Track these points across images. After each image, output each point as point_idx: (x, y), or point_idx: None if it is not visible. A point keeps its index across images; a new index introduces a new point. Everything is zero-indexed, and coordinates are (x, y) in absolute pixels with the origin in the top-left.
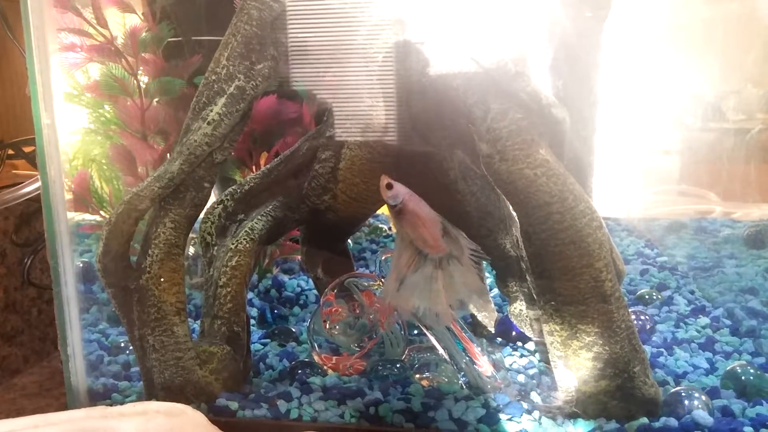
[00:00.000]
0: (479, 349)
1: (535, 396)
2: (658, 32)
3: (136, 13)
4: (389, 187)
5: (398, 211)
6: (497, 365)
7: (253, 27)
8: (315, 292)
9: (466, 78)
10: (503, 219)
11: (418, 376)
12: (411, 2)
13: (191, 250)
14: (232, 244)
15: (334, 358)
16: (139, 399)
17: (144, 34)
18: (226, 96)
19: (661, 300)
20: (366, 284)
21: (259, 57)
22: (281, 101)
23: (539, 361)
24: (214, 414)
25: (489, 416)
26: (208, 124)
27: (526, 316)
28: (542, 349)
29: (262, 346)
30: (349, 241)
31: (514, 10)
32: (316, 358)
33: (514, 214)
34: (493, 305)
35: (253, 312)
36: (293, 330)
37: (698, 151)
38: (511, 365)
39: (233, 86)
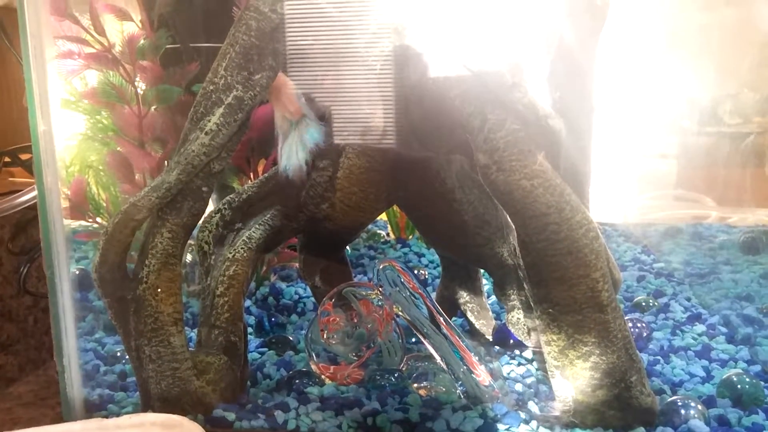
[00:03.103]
0: (477, 357)
1: (532, 405)
2: (655, 37)
3: (134, 21)
4: None
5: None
6: (495, 374)
7: (251, 37)
8: (313, 299)
9: (464, 88)
10: (500, 227)
11: (415, 385)
12: (409, 12)
13: (188, 257)
14: (230, 253)
15: (332, 367)
16: (136, 410)
17: (142, 41)
18: (224, 106)
19: (657, 307)
20: (364, 293)
21: (257, 67)
22: None
23: (537, 369)
24: (211, 425)
25: (487, 426)
26: (206, 134)
27: (524, 325)
28: (540, 358)
29: (260, 355)
30: (347, 247)
31: (511, 21)
32: (313, 367)
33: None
34: (490, 313)
35: (251, 320)
36: (291, 339)
37: (694, 155)
38: (508, 374)
39: (231, 96)
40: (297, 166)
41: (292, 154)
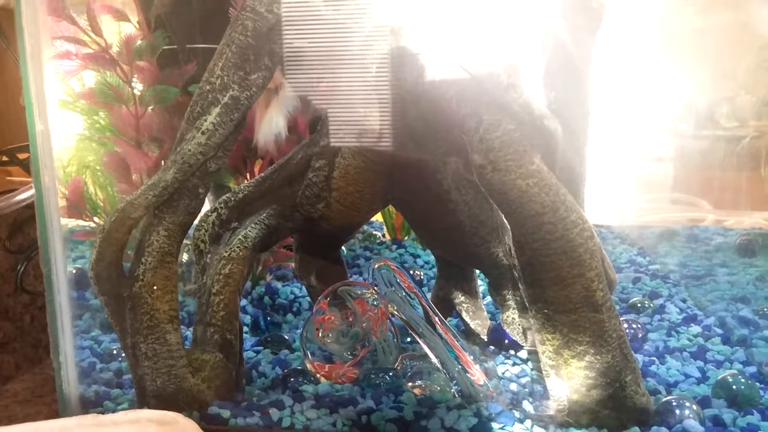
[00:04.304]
0: (471, 357)
1: (527, 405)
2: (652, 40)
3: (131, 22)
4: None
5: None
6: (489, 373)
7: (247, 37)
8: (308, 299)
9: (460, 89)
10: (496, 228)
11: (410, 384)
12: (406, 13)
13: (185, 257)
14: (226, 252)
15: (327, 366)
16: (132, 407)
17: (139, 42)
18: (220, 106)
19: (653, 308)
20: (359, 292)
21: (253, 67)
22: None
23: (532, 369)
24: (207, 422)
25: (481, 425)
26: (203, 133)
27: (519, 325)
28: (535, 357)
29: (255, 354)
30: (342, 248)
31: (507, 22)
32: (308, 366)
33: (507, 223)
34: (485, 313)
35: (246, 319)
36: (286, 337)
37: (691, 158)
38: (503, 373)
39: (227, 96)
40: (274, 135)
41: (270, 122)
